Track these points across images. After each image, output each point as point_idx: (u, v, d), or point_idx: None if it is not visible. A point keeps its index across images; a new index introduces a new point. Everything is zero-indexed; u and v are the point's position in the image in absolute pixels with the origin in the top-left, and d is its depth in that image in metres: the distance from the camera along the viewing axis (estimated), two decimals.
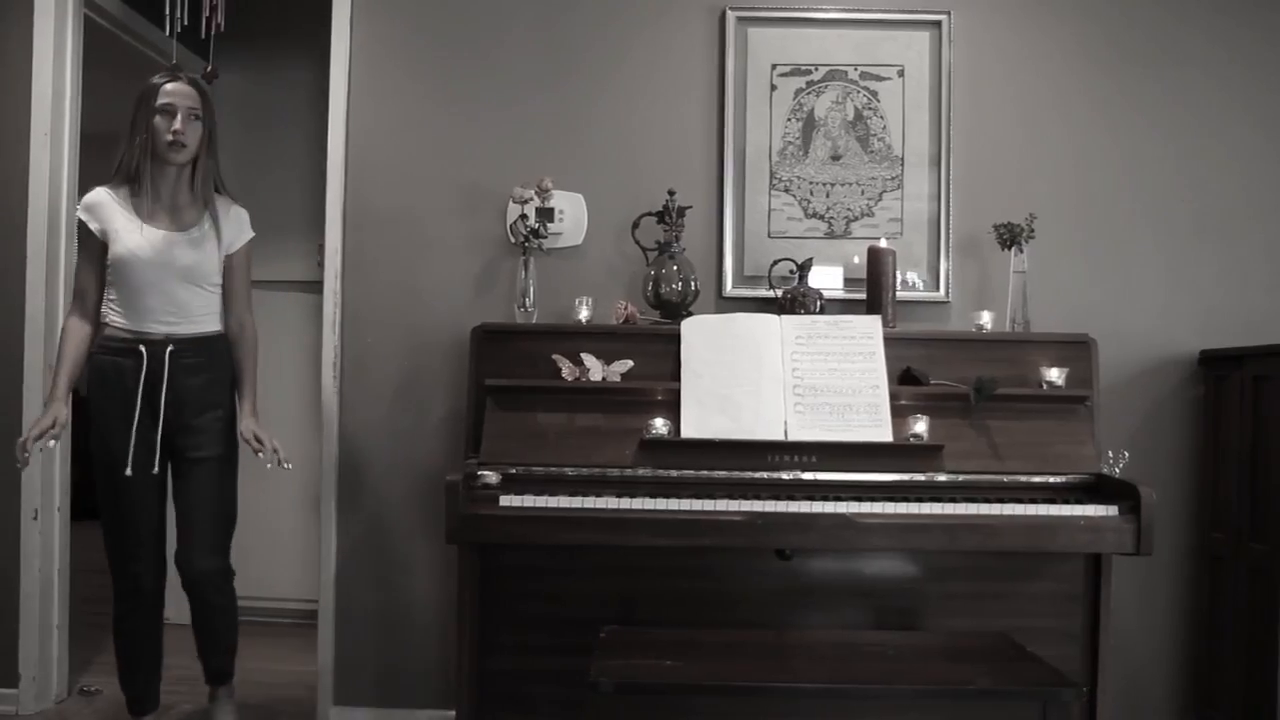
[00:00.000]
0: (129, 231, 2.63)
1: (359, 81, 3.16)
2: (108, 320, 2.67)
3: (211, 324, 2.73)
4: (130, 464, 2.62)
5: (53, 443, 2.62)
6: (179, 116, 2.61)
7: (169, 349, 2.64)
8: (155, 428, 2.64)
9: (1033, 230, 2.95)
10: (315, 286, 3.81)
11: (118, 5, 3.57)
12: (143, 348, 2.63)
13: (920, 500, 2.46)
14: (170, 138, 2.61)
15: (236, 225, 2.76)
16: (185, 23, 3.38)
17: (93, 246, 2.67)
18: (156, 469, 2.65)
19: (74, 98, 3.32)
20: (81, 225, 2.67)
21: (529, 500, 2.40)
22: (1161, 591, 3.11)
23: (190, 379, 2.67)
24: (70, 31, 3.29)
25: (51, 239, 3.25)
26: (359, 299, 3.15)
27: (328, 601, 3.14)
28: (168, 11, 3.28)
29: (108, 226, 2.64)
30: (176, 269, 2.65)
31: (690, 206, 2.97)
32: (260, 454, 2.69)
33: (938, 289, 3.09)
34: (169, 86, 2.64)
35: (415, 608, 3.10)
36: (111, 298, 2.66)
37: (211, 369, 2.72)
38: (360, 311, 3.15)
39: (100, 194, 2.68)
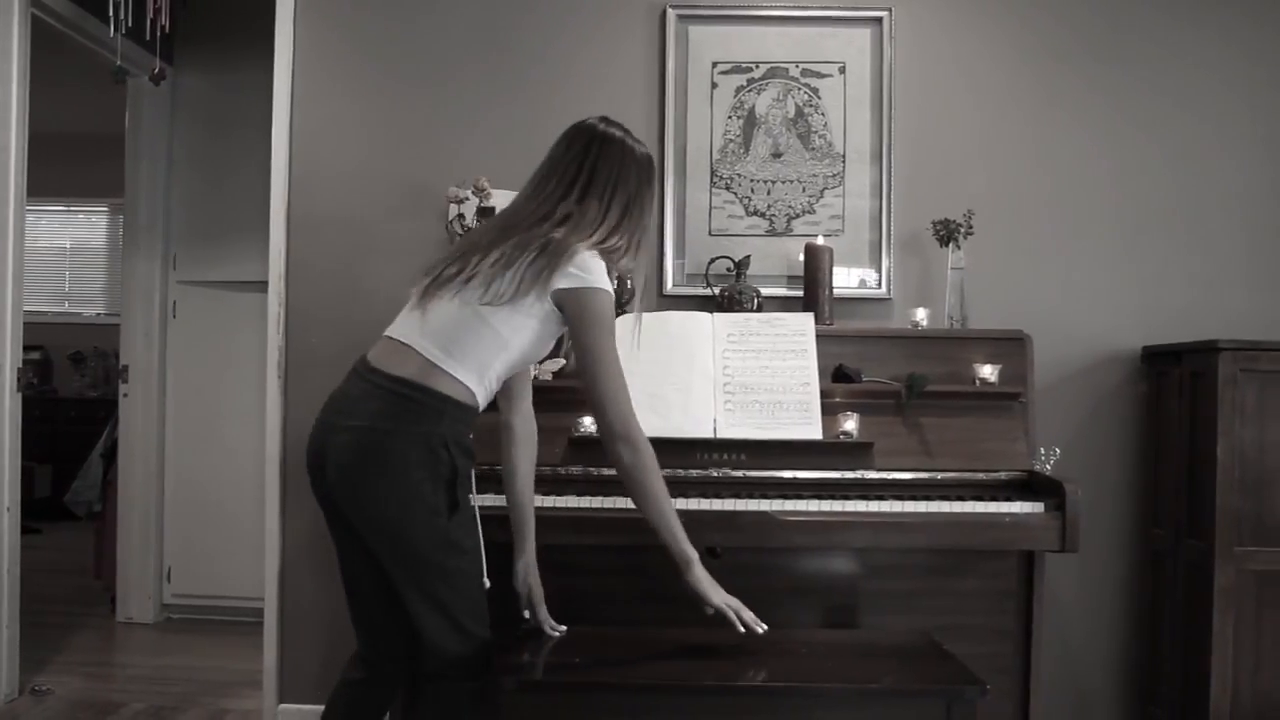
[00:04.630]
0: None
1: (302, 83, 3.16)
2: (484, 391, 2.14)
3: None
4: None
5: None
6: None
7: None
8: None
9: (971, 227, 2.94)
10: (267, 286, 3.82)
11: (66, 5, 3.56)
12: None
13: (848, 498, 2.46)
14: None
15: None
16: (130, 24, 3.38)
17: None
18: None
19: (21, 98, 3.32)
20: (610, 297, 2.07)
21: None
22: (1104, 589, 3.10)
23: None
24: (16, 30, 3.28)
25: None
26: (303, 299, 3.15)
27: (272, 600, 3.14)
28: (111, 12, 3.27)
29: None
30: None
31: None
32: None
33: (879, 286, 3.08)
34: None
35: None
36: (499, 372, 2.13)
37: None
38: (304, 311, 3.15)
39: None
